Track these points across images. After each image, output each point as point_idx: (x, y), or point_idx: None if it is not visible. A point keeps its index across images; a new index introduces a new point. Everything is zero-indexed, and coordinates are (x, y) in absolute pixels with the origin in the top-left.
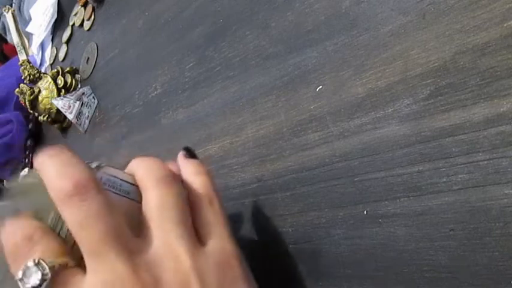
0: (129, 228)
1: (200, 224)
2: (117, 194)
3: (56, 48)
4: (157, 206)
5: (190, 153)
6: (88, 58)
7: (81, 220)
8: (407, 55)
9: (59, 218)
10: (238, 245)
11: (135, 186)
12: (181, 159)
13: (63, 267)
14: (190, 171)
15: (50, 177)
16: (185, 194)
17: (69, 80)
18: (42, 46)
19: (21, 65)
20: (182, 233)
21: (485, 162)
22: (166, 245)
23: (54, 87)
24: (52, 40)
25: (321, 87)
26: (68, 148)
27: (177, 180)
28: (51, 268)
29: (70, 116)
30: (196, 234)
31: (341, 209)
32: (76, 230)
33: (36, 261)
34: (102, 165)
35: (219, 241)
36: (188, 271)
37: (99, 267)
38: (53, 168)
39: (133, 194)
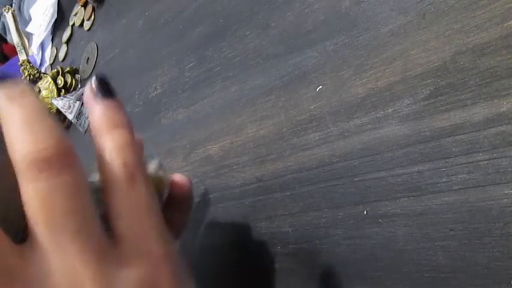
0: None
1: (115, 232)
2: None
3: (56, 48)
4: (39, 208)
5: (104, 89)
6: (88, 58)
7: None
8: (407, 55)
9: None
10: (177, 253)
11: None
12: (89, 99)
13: None
14: (99, 121)
15: (14, 132)
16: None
17: (69, 80)
18: (42, 46)
19: (21, 65)
20: (83, 249)
21: (485, 162)
22: (61, 263)
23: (54, 87)
24: (52, 40)
25: (321, 87)
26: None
27: (70, 157)
28: None
29: (70, 116)
30: (110, 247)
31: (341, 209)
32: None
33: None
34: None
35: (147, 260)
36: None
37: None
38: (18, 120)
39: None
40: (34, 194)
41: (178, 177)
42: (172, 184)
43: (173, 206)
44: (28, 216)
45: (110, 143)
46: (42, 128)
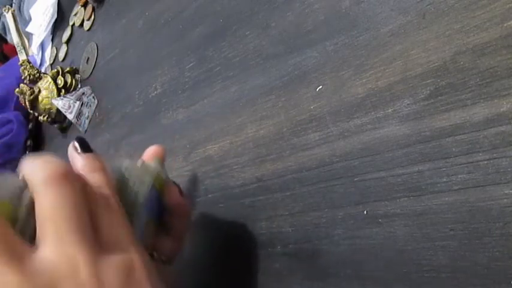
0: (21, 235)
1: (99, 231)
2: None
3: (56, 48)
4: (49, 208)
5: (84, 146)
6: (88, 58)
7: None
8: (407, 55)
9: None
10: (144, 255)
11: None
12: (72, 153)
13: None
14: (82, 167)
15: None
16: (84, 195)
17: (69, 80)
18: (42, 46)
19: (21, 65)
20: (80, 239)
21: (485, 162)
22: (62, 252)
23: (54, 87)
24: (52, 40)
25: (321, 87)
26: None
27: (72, 178)
28: None
29: (70, 116)
30: (97, 241)
31: (341, 209)
32: None
33: None
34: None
35: (123, 250)
36: (88, 281)
37: None
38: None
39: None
40: (45, 202)
41: (171, 187)
42: (167, 193)
43: (170, 214)
44: (38, 221)
45: (91, 181)
46: (50, 160)
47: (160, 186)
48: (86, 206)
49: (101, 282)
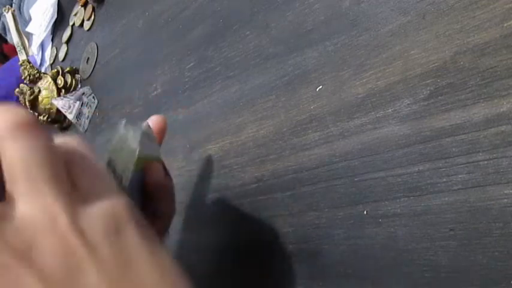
0: None
1: (77, 183)
2: None
3: (56, 48)
4: (19, 159)
5: None
6: (88, 58)
7: None
8: (407, 55)
9: None
10: (130, 203)
11: None
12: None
13: None
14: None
15: None
16: (55, 146)
17: (69, 80)
18: (42, 46)
19: (21, 65)
20: (56, 189)
21: (485, 162)
22: (38, 204)
23: (54, 87)
24: (52, 40)
25: (321, 87)
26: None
27: (39, 126)
28: None
29: (70, 116)
30: (75, 192)
31: (341, 209)
32: None
33: None
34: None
35: (105, 198)
36: (68, 231)
37: None
38: None
39: None
40: (14, 153)
41: (154, 165)
42: (147, 173)
43: (153, 194)
44: (7, 174)
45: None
46: (11, 108)
47: (142, 166)
48: (60, 156)
49: (82, 231)
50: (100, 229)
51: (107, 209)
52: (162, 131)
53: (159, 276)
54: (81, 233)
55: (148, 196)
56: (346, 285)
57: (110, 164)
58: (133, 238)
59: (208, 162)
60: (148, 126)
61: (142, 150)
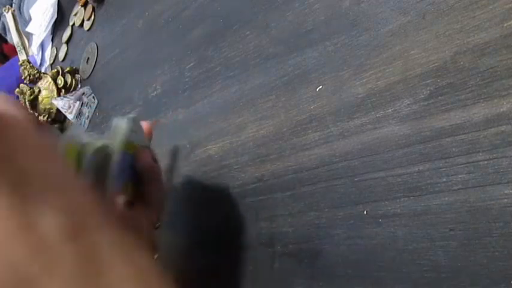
0: None
1: (30, 174)
2: None
3: (56, 48)
4: None
5: None
6: (88, 58)
7: None
8: (407, 55)
9: None
10: (96, 198)
11: None
12: None
13: None
14: None
15: None
16: None
17: (69, 80)
18: (42, 46)
19: (21, 65)
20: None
21: (485, 162)
22: None
23: (54, 87)
24: (52, 40)
25: (321, 87)
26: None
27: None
28: None
29: (70, 116)
30: (27, 184)
31: (341, 209)
32: None
33: None
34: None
35: (63, 192)
36: (17, 229)
37: None
38: None
39: None
40: None
41: (143, 151)
42: (137, 157)
43: (143, 177)
44: None
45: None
46: None
47: (133, 151)
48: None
49: (34, 230)
50: (54, 224)
51: (63, 205)
52: (149, 133)
53: (134, 285)
54: (31, 231)
55: (139, 180)
56: (346, 285)
57: (104, 148)
58: (99, 241)
59: (208, 162)
60: (136, 117)
61: (130, 132)
